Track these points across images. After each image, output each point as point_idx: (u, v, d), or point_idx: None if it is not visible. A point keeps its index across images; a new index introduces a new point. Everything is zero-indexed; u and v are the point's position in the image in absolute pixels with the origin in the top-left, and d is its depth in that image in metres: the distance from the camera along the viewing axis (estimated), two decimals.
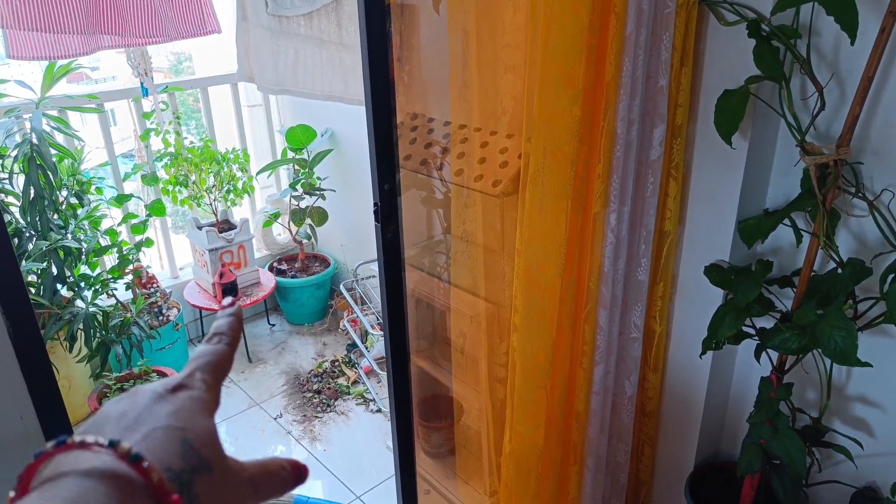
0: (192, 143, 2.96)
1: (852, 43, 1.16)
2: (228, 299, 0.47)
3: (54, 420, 1.03)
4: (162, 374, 2.55)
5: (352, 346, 3.09)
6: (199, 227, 2.96)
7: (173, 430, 0.35)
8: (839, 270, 1.37)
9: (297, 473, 0.42)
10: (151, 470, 0.31)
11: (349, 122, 3.07)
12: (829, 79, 1.36)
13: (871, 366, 1.31)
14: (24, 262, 2.19)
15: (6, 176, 2.24)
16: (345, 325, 3.08)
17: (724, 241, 1.55)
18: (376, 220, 1.42)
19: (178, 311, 2.89)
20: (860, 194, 1.34)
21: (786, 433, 1.41)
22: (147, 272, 2.80)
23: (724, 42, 1.42)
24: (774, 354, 1.50)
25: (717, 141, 1.39)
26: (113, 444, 0.32)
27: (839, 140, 1.28)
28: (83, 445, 0.32)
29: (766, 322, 1.50)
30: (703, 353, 1.51)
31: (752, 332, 1.49)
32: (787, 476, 1.48)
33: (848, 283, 1.34)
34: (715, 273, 1.52)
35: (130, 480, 0.31)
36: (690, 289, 1.66)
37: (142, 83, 2.73)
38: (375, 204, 1.40)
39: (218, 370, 0.42)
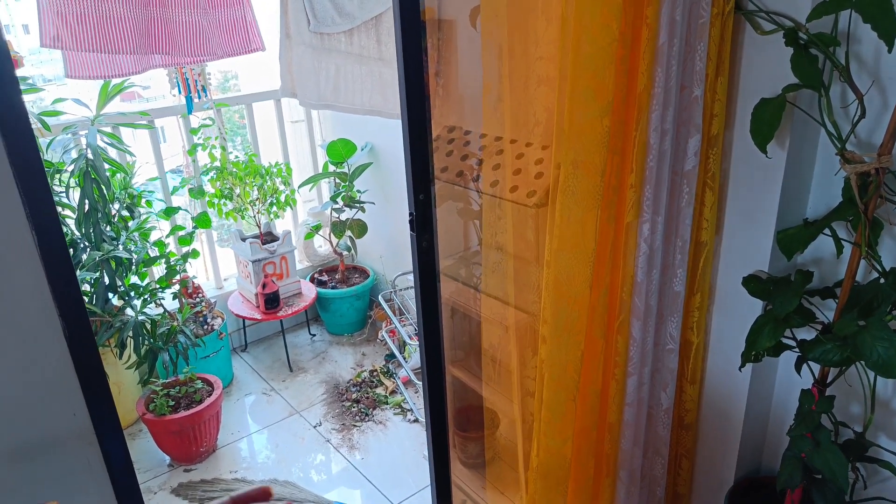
0: (237, 157, 3.05)
1: (889, 50, 1.15)
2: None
3: (105, 418, 1.08)
4: (206, 381, 2.62)
5: (390, 357, 3.12)
6: (243, 239, 3.04)
7: None
8: (882, 280, 1.34)
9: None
10: None
11: (388, 136, 3.12)
12: (869, 86, 1.34)
13: None
14: (78, 272, 2.29)
15: (63, 189, 2.35)
16: (383, 336, 3.12)
17: (762, 252, 1.53)
18: (412, 229, 1.45)
19: (222, 321, 2.97)
20: None
21: (827, 447, 1.38)
22: (193, 282, 2.89)
23: (761, 51, 1.41)
24: (816, 367, 1.47)
25: (754, 150, 1.38)
26: None
27: (881, 148, 1.26)
28: None
29: (807, 333, 1.47)
30: (743, 365, 1.49)
31: (793, 343, 1.47)
32: (830, 491, 1.44)
33: (891, 293, 1.31)
34: (753, 283, 1.50)
35: None
36: (728, 299, 1.64)
37: (188, 99, 2.84)
38: (411, 213, 1.44)
39: None
